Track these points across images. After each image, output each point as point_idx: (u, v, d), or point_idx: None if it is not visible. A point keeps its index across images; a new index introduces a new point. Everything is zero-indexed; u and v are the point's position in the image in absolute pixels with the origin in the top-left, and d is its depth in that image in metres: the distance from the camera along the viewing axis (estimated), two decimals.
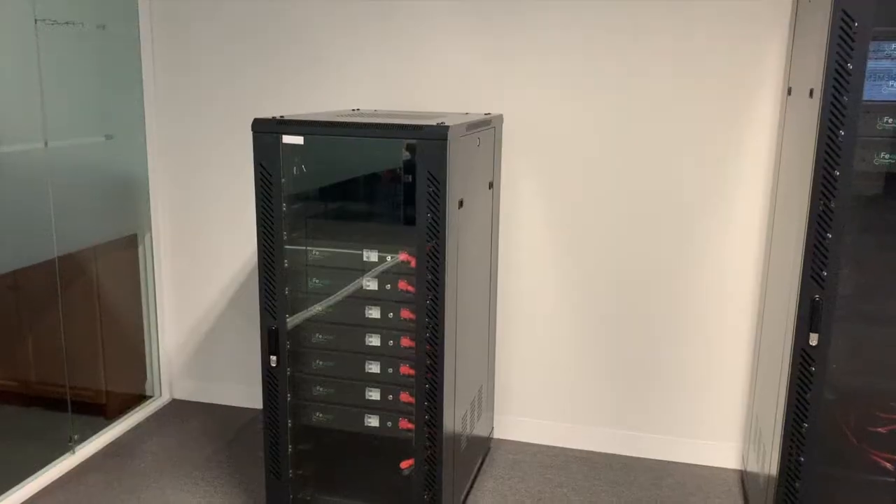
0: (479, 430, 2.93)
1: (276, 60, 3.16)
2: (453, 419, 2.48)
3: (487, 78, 2.98)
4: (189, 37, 3.24)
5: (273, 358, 2.43)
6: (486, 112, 2.95)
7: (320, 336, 2.46)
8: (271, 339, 2.43)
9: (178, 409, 3.51)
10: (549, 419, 3.22)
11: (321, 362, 2.48)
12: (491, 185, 2.84)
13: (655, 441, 3.12)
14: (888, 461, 2.45)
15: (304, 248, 2.43)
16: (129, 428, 3.30)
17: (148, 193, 3.37)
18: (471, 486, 2.87)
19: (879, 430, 2.42)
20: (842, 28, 1.88)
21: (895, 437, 2.38)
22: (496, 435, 3.26)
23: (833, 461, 2.46)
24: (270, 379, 2.47)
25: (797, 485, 2.18)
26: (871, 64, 1.92)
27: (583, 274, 3.06)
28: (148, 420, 3.40)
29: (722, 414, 3.04)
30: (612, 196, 2.97)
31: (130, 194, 3.33)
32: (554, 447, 3.21)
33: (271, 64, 3.17)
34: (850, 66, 1.89)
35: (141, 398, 3.50)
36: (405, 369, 2.40)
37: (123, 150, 3.28)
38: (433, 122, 2.23)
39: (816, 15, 2.05)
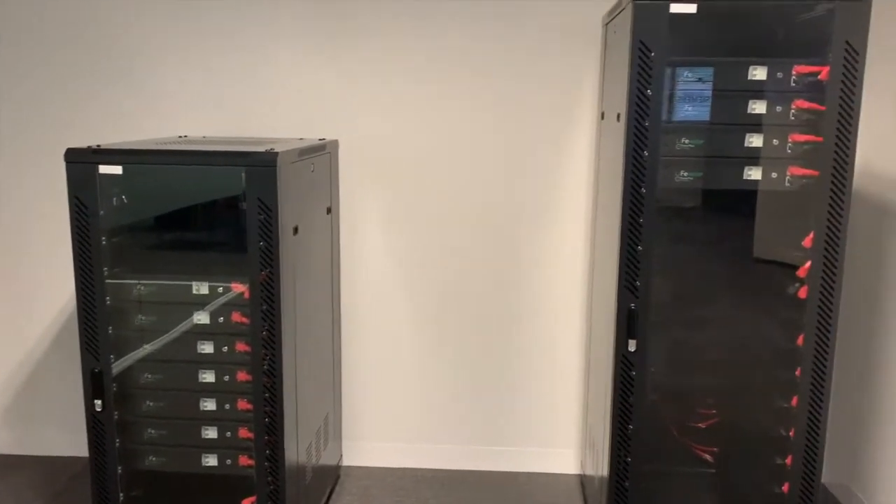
0: (327, 460, 2.88)
1: (97, 85, 2.99)
2: (296, 452, 2.42)
3: (324, 102, 2.98)
4: None
5: (98, 402, 2.28)
6: (322, 137, 2.94)
7: (150, 376, 2.33)
8: (95, 382, 2.27)
9: None
10: (399, 441, 3.23)
11: (152, 403, 2.35)
12: (329, 210, 2.83)
13: (502, 453, 3.21)
14: (708, 453, 2.66)
15: (128, 282, 2.30)
16: None
17: None
18: None
19: (699, 425, 2.62)
20: (640, 57, 2.04)
21: (713, 432, 2.58)
22: (346, 462, 3.22)
23: (660, 457, 2.63)
24: (96, 425, 2.31)
25: (626, 484, 2.31)
26: (667, 90, 2.09)
27: (425, 294, 3.11)
28: None
29: (561, 422, 3.17)
30: (449, 216, 3.04)
31: None
32: (405, 469, 3.21)
33: (88, 89, 3.00)
34: (649, 91, 2.05)
35: None
36: (243, 404, 2.32)
37: None
38: (262, 149, 2.20)
39: (621, 45, 2.22)
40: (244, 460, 2.33)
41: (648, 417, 2.46)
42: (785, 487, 2.25)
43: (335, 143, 2.92)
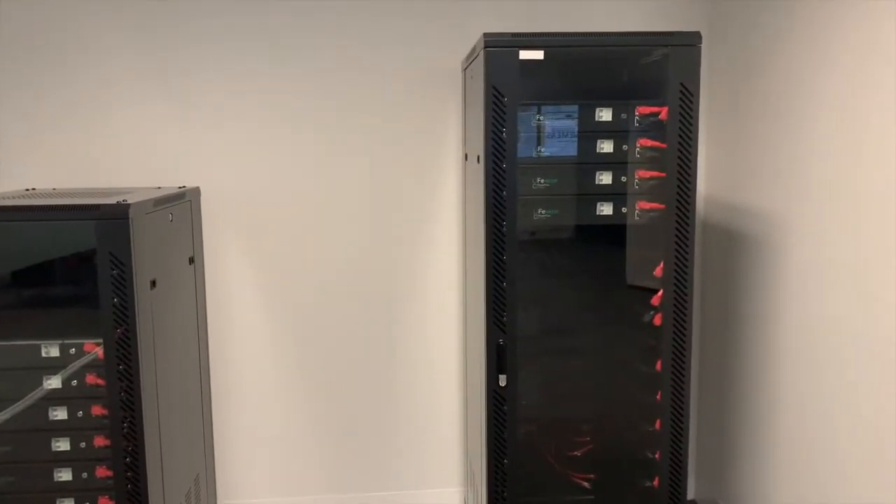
0: None
1: None
2: None
3: (181, 148, 2.89)
4: None
5: None
6: (181, 185, 2.85)
7: None
8: None
9: None
10: (278, 496, 3.11)
11: (1, 478, 2.16)
12: (192, 261, 2.73)
13: (385, 498, 3.16)
14: (585, 480, 2.73)
15: None
16: None
17: None
18: None
19: (576, 453, 2.68)
20: (494, 101, 2.12)
21: (589, 458, 2.66)
22: None
23: (540, 488, 2.68)
24: None
25: None
26: (522, 132, 2.18)
27: (297, 339, 3.04)
28: None
29: (443, 462, 3.17)
30: (320, 259, 3.01)
31: None
32: None
33: None
34: (504, 133, 2.13)
35: None
36: (102, 471, 2.17)
37: None
38: (113, 201, 2.10)
39: (476, 90, 2.29)
40: None
41: (524, 449, 2.50)
42: None
43: (196, 191, 2.83)
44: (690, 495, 3.31)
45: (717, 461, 3.05)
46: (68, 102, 2.83)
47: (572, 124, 2.21)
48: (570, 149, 2.21)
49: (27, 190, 2.74)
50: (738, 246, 2.82)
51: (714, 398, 3.07)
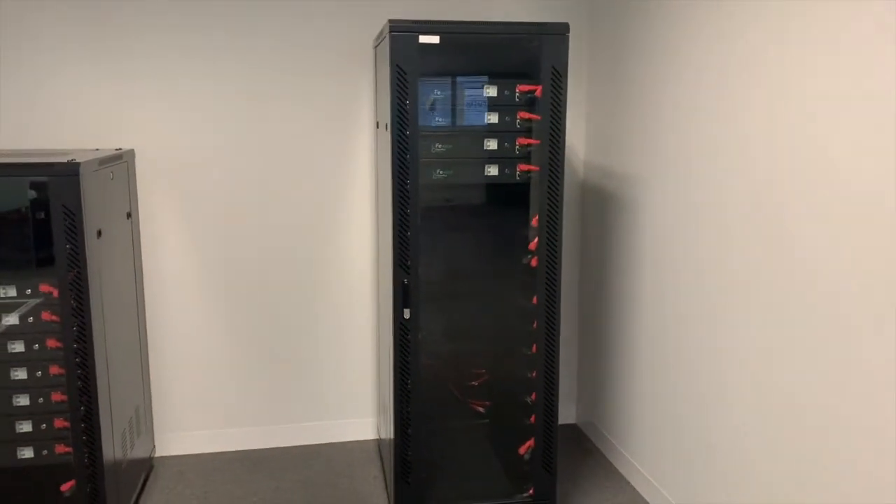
0: (140, 450, 3.08)
1: None
2: (112, 437, 2.63)
3: (114, 113, 3.16)
4: None
5: None
6: (118, 147, 3.13)
7: None
8: None
9: None
10: (211, 428, 3.47)
11: None
12: (129, 215, 3.03)
13: (306, 429, 3.57)
14: (481, 406, 3.20)
15: None
16: None
17: None
18: (136, 501, 3.01)
19: (473, 383, 3.15)
20: (398, 77, 2.51)
21: (484, 388, 3.12)
22: (160, 453, 3.41)
23: (444, 414, 3.13)
24: None
25: (409, 431, 2.77)
26: (421, 104, 2.58)
27: (226, 286, 3.39)
28: None
29: (359, 394, 3.59)
30: (245, 215, 3.35)
31: None
32: (216, 453, 3.47)
33: None
34: (407, 103, 2.52)
35: None
36: (57, 396, 2.49)
37: None
38: (64, 159, 2.40)
39: (384, 67, 2.67)
40: (61, 448, 2.51)
41: (427, 381, 2.94)
42: (532, 418, 2.82)
43: (132, 153, 3.12)
44: (572, 420, 3.86)
45: (594, 389, 3.60)
46: (6, 70, 3.05)
47: (464, 99, 2.63)
48: (462, 119, 2.64)
49: None
50: (608, 203, 3.33)
51: (591, 333, 3.60)
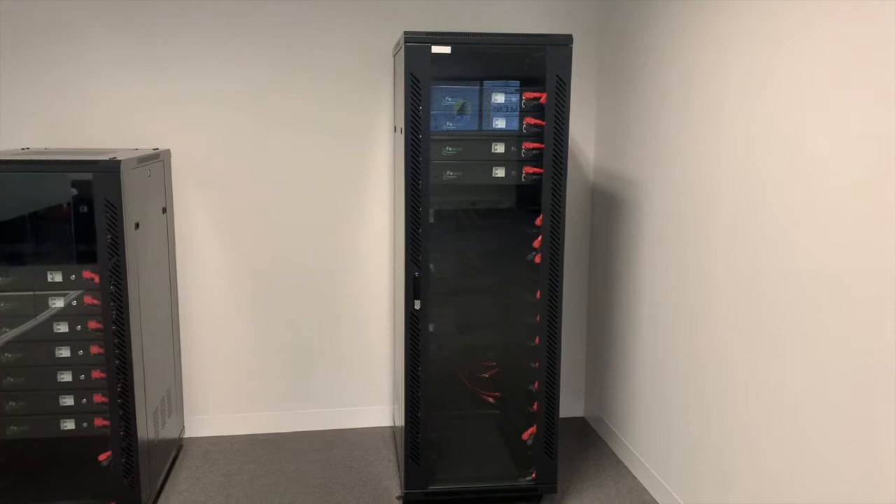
0: (170, 430, 3.32)
1: None
2: (145, 413, 2.86)
3: (153, 117, 3.41)
4: None
5: None
6: (155, 147, 3.37)
7: (9, 355, 2.69)
8: None
9: None
10: (236, 412, 3.70)
11: (11, 379, 2.70)
12: (164, 210, 3.27)
13: (327, 414, 3.78)
14: (491, 397, 3.38)
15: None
16: None
17: None
18: (166, 476, 3.24)
19: (484, 375, 3.33)
20: (412, 84, 2.71)
21: (494, 380, 3.30)
22: (188, 434, 3.65)
23: (455, 403, 3.31)
24: None
25: (419, 414, 2.95)
26: (434, 110, 2.77)
27: (252, 278, 3.62)
28: None
29: (375, 383, 3.80)
30: (276, 212, 3.58)
31: None
32: (242, 436, 3.69)
33: None
34: (420, 109, 2.72)
35: None
36: (97, 374, 2.73)
37: None
38: (107, 157, 2.64)
39: (400, 74, 2.87)
40: (99, 421, 2.74)
41: (445, 370, 3.13)
42: (535, 406, 2.99)
43: (168, 153, 3.36)
44: (580, 413, 4.02)
45: (601, 384, 3.75)
46: (57, 77, 3.31)
47: (474, 105, 2.82)
48: (471, 124, 2.83)
49: (22, 149, 3.23)
50: (614, 205, 3.49)
51: (598, 329, 3.76)
